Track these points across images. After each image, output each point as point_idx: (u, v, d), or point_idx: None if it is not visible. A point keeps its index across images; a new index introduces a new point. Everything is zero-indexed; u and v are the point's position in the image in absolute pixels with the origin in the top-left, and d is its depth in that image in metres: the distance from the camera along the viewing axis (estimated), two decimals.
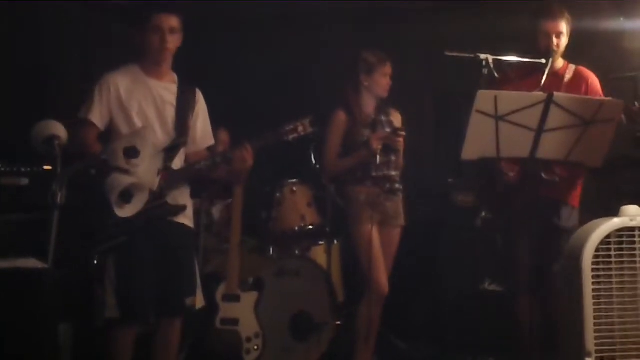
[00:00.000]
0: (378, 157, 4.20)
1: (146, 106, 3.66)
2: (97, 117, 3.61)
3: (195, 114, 3.76)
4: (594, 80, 4.04)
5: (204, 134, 3.82)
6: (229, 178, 3.93)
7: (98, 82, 3.65)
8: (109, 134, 3.66)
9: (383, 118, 4.41)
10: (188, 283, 3.71)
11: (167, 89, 3.73)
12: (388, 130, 4.33)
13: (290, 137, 3.72)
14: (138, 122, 3.63)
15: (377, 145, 4.22)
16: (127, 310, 3.57)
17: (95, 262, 3.61)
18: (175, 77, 3.78)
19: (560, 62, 4.05)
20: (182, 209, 3.68)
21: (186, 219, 3.74)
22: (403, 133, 4.27)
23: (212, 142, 3.86)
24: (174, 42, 3.67)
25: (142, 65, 3.71)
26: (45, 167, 3.79)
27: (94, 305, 3.69)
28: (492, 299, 4.71)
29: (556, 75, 3.99)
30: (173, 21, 3.65)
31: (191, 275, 3.73)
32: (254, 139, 3.70)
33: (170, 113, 3.69)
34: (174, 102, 3.71)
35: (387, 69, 4.37)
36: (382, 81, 4.36)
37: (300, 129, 3.72)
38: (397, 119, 4.44)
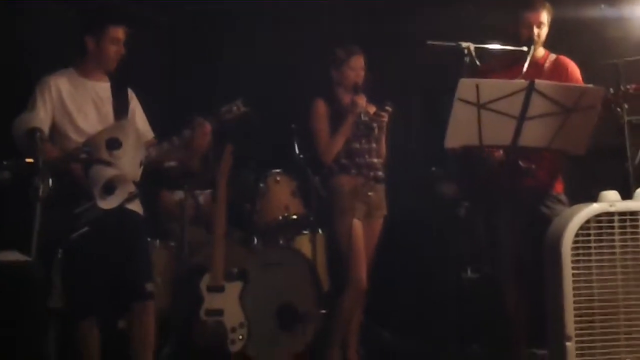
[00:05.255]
0: (362, 114, 4.25)
1: (86, 106, 3.79)
2: (43, 121, 3.64)
3: (131, 111, 3.91)
4: (574, 68, 4.07)
5: (144, 128, 3.96)
6: (189, 157, 4.03)
7: (38, 86, 3.74)
8: (53, 134, 3.72)
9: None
10: (145, 268, 3.82)
11: (103, 88, 3.87)
12: (366, 119, 4.33)
13: (227, 117, 3.94)
14: (80, 121, 3.74)
15: (362, 103, 4.26)
16: (72, 300, 3.67)
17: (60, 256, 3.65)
18: (106, 77, 3.90)
19: (540, 52, 4.08)
20: (136, 195, 3.75)
21: (135, 206, 3.83)
22: (389, 109, 4.28)
23: (152, 134, 3.99)
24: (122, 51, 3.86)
25: (77, 67, 3.85)
26: (27, 160, 3.78)
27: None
28: (475, 287, 4.73)
29: (536, 65, 4.01)
30: (124, 33, 3.82)
31: (147, 261, 3.88)
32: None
33: (109, 111, 3.83)
34: (111, 100, 3.85)
35: (356, 61, 4.39)
36: (351, 74, 4.38)
37: (235, 109, 3.96)
38: (372, 109, 4.44)
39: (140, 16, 4.94)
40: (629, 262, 3.33)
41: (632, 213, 3.33)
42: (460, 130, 3.57)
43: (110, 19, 3.80)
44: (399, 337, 4.94)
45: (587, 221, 3.32)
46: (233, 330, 4.21)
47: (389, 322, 4.99)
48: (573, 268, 3.30)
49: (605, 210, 3.34)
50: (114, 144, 3.62)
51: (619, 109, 3.78)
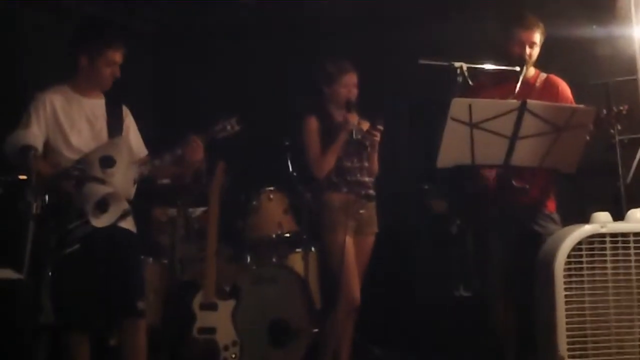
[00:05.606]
0: (354, 132, 4.23)
1: (80, 123, 3.77)
2: (37, 139, 3.63)
3: (125, 127, 3.90)
4: (564, 87, 4.09)
5: (137, 145, 3.96)
6: (181, 174, 4.03)
7: (32, 103, 3.72)
8: (46, 151, 3.70)
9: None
10: (137, 286, 3.81)
11: (96, 105, 3.85)
12: (358, 137, 4.32)
13: (220, 135, 3.92)
14: (73, 139, 3.73)
15: (354, 121, 4.25)
16: (62, 317, 3.64)
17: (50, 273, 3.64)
18: (101, 94, 3.89)
19: (531, 71, 4.09)
20: (129, 213, 3.74)
21: (129, 224, 3.81)
22: (381, 128, 4.27)
23: (146, 151, 3.98)
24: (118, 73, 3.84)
25: (72, 84, 3.82)
26: (21, 177, 3.77)
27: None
28: (466, 304, 4.74)
29: (527, 84, 4.03)
30: (121, 56, 3.80)
31: (139, 278, 3.87)
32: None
33: (103, 128, 3.81)
34: (105, 117, 3.83)
35: (349, 78, 4.36)
36: (343, 92, 4.35)
37: (229, 127, 3.93)
38: (364, 126, 4.44)
39: (135, 34, 4.96)
40: (620, 284, 3.35)
41: (624, 234, 3.35)
42: (453, 149, 3.59)
43: (108, 41, 3.77)
44: (391, 353, 4.94)
45: (579, 242, 3.34)
46: (226, 348, 4.20)
47: (380, 338, 4.99)
48: (565, 289, 3.32)
49: (597, 232, 3.36)
50: (107, 162, 3.62)
51: (612, 130, 3.81)
